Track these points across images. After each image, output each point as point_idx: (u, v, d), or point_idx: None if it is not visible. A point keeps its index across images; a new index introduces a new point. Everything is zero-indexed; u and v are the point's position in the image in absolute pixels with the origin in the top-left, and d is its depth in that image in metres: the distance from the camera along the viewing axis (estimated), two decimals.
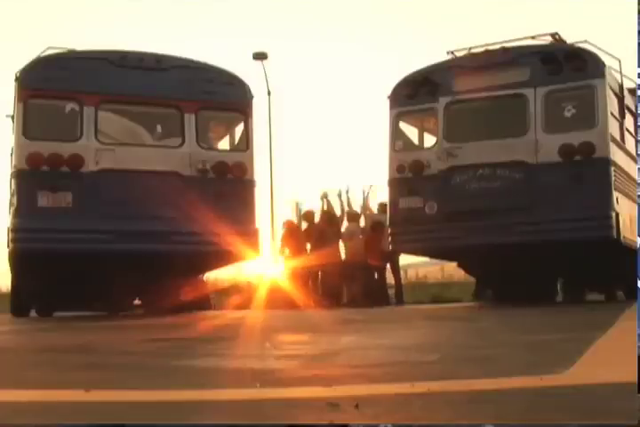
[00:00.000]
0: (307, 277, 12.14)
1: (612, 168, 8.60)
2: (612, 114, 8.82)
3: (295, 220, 12.77)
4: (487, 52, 9.42)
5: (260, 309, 10.58)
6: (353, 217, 12.50)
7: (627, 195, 9.14)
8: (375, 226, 11.79)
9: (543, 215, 8.66)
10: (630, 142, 9.51)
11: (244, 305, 11.49)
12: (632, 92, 9.40)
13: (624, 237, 8.61)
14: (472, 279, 11.95)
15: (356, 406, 2.07)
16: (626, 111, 9.37)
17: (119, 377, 2.97)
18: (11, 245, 8.43)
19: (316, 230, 12.27)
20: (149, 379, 2.87)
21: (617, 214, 8.53)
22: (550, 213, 8.63)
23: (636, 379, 2.23)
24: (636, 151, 8.62)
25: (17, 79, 8.55)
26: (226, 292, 14.06)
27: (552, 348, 3.71)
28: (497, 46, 9.39)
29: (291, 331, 6.25)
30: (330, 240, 12.01)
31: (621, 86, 9.29)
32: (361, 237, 12.25)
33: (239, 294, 13.26)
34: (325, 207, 12.54)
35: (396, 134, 9.90)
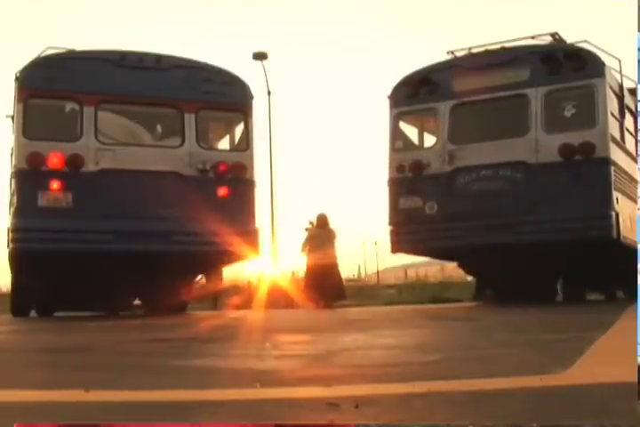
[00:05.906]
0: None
1: (612, 168, 8.61)
2: (612, 114, 8.83)
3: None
4: (487, 52, 9.43)
5: (260, 309, 10.57)
6: None
7: (627, 195, 9.14)
8: None
9: (543, 215, 8.66)
10: (630, 142, 9.50)
11: (244, 305, 11.47)
12: (632, 92, 9.40)
13: (624, 237, 8.60)
14: (472, 279, 11.94)
15: (356, 406, 2.07)
16: (626, 111, 9.37)
17: (119, 377, 2.97)
18: (11, 245, 8.42)
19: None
20: (149, 379, 2.87)
21: (617, 214, 8.53)
22: (550, 213, 8.63)
23: (636, 379, 2.23)
24: (636, 151, 8.61)
25: (17, 79, 8.55)
26: (226, 292, 14.05)
27: (552, 348, 3.71)
28: (497, 46, 9.40)
29: (291, 331, 6.25)
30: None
31: (621, 86, 9.29)
32: None
33: (239, 293, 13.23)
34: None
35: (396, 134, 9.91)
